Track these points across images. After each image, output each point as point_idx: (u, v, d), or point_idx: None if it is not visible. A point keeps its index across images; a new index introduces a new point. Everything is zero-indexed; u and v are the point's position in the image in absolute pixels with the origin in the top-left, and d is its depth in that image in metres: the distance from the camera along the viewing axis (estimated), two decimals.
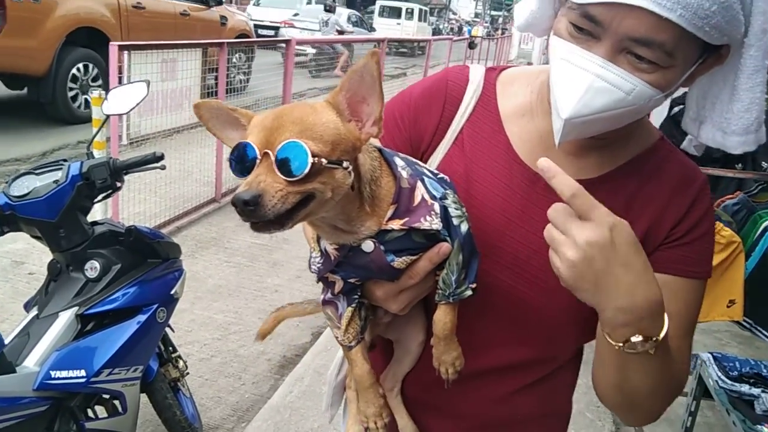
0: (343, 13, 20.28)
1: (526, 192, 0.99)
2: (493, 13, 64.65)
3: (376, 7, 28.84)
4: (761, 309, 2.91)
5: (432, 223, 0.86)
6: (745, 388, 2.02)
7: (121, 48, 4.41)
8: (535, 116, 1.02)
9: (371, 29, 23.01)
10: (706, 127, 0.96)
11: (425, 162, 1.03)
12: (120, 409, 2.17)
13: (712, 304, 2.86)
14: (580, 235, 0.75)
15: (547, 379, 1.08)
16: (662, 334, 0.81)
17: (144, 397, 2.36)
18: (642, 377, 0.87)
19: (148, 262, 2.28)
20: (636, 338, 0.80)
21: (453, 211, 0.90)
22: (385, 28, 25.76)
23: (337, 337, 0.98)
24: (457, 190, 0.95)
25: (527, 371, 1.06)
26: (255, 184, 0.71)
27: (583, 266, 0.76)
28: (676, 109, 4.02)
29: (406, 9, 27.87)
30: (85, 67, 7.68)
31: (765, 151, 3.90)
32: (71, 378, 1.94)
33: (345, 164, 0.78)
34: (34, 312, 2.09)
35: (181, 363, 2.63)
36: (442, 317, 0.91)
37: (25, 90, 7.66)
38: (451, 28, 43.30)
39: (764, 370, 2.09)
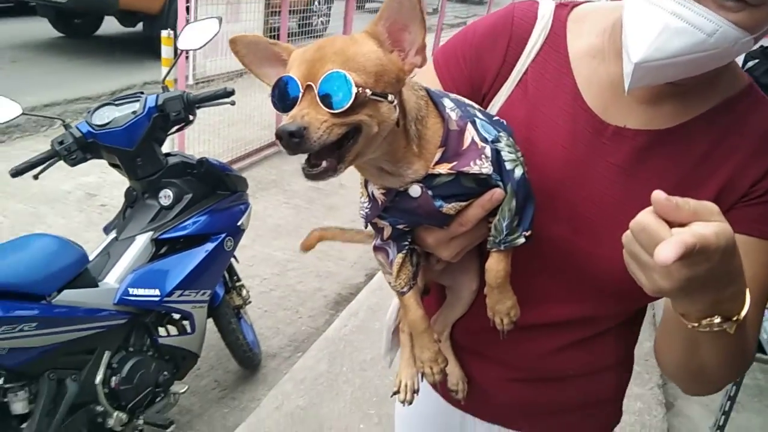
0: None
1: (591, 141, 0.92)
2: None
3: None
4: None
5: (482, 167, 0.82)
6: None
7: None
8: (607, 58, 0.92)
9: None
10: None
11: (486, 106, 0.98)
12: (189, 329, 2.32)
13: None
14: (681, 272, 0.64)
15: (598, 337, 1.04)
16: (743, 313, 0.74)
17: (210, 322, 2.51)
18: (713, 354, 0.81)
19: (218, 193, 2.39)
20: (716, 319, 0.73)
21: (506, 155, 0.85)
22: None
23: (389, 283, 0.95)
24: (515, 136, 0.90)
25: (574, 329, 1.02)
26: (299, 116, 0.69)
27: (675, 291, 0.67)
28: (750, 63, 3.87)
29: None
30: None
31: None
32: (147, 296, 2.09)
33: (390, 97, 0.74)
34: (113, 234, 2.24)
35: (244, 292, 2.78)
36: (494, 265, 0.88)
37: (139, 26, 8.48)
38: None
39: None
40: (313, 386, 2.74)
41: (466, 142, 0.83)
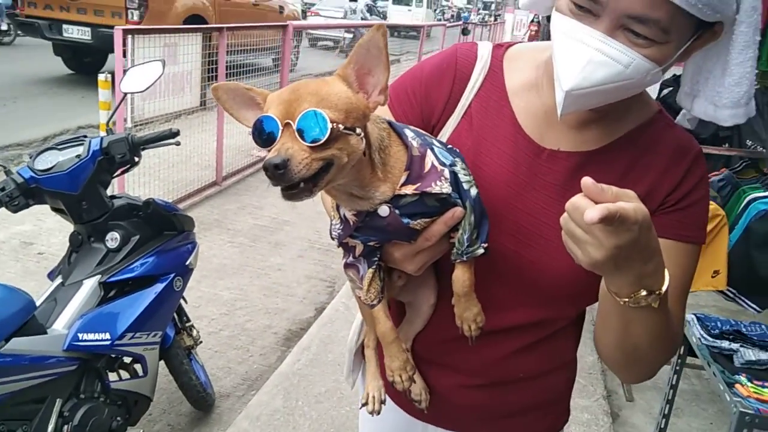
0: (360, 2, 23.52)
1: (530, 164, 1.04)
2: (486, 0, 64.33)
3: None
4: (743, 279, 3.07)
5: (442, 187, 0.92)
6: (725, 344, 2.16)
7: (126, 32, 4.49)
8: (541, 91, 1.05)
9: (383, 16, 26.36)
10: (699, 101, 1.00)
11: (436, 135, 1.08)
12: (140, 372, 2.29)
13: (698, 275, 2.96)
14: (609, 241, 0.75)
15: (549, 338, 1.13)
16: (664, 288, 0.85)
17: (161, 364, 2.49)
18: (643, 332, 0.91)
19: (165, 233, 2.40)
20: (642, 293, 0.83)
21: (462, 177, 0.95)
22: (398, 14, 29.57)
23: (359, 297, 1.02)
24: (465, 161, 1.00)
25: (530, 331, 1.10)
26: (283, 150, 0.77)
27: (606, 262, 0.78)
28: (665, 91, 4.15)
29: None
30: None
31: (749, 130, 4.05)
32: (97, 340, 2.06)
33: (358, 131, 0.83)
34: (59, 280, 2.21)
35: (194, 332, 2.76)
36: (461, 275, 0.97)
37: None
38: (452, 15, 43.43)
39: (743, 329, 2.24)
40: (270, 422, 2.74)
41: (427, 166, 0.93)
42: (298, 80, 0.89)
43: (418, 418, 1.24)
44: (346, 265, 1.03)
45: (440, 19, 35.55)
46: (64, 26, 9.28)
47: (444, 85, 1.10)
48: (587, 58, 0.87)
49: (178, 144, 2.32)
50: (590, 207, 0.73)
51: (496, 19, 31.00)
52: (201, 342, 2.84)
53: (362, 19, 18.46)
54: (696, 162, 1.03)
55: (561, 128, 1.03)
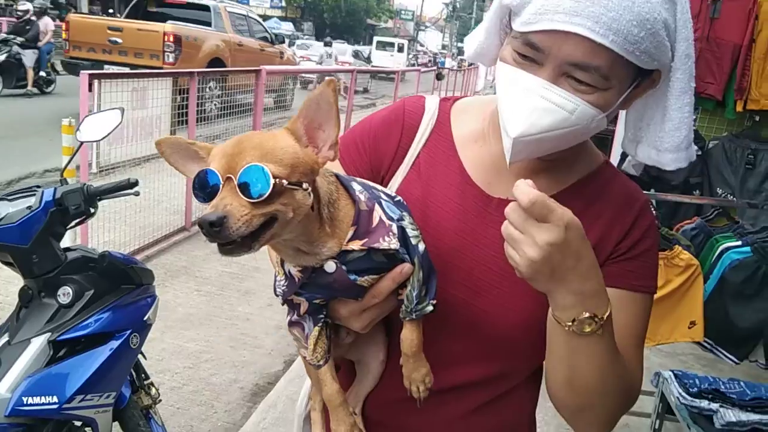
0: (347, 50, 27.01)
1: (479, 212, 1.04)
2: (460, 45, 65.88)
3: (374, 43, 37.92)
4: (720, 330, 3.02)
5: (390, 243, 0.90)
6: (704, 403, 2.09)
7: (92, 76, 4.41)
8: (488, 141, 1.07)
9: (368, 60, 29.13)
10: (642, 147, 1.03)
11: (385, 186, 1.07)
12: None
13: (675, 326, 2.95)
14: (540, 237, 0.79)
15: (505, 396, 1.09)
16: (607, 314, 0.86)
17: (116, 425, 2.34)
18: (590, 366, 0.91)
19: (122, 287, 2.28)
20: (584, 314, 0.85)
21: (410, 232, 0.94)
22: (382, 58, 33.88)
23: (304, 357, 0.99)
24: (413, 213, 0.99)
25: (485, 389, 1.07)
26: (221, 206, 0.74)
27: (541, 262, 0.81)
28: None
29: (398, 44, 37.28)
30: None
31: (719, 178, 4.08)
32: (43, 404, 1.93)
33: (305, 185, 0.81)
34: (5, 338, 2.07)
35: (153, 390, 2.61)
36: (409, 335, 0.95)
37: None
38: (429, 60, 44.74)
39: (722, 386, 2.17)
40: None
41: (375, 220, 0.91)
42: (272, 124, 0.85)
43: None
44: (291, 323, 0.99)
45: (414, 64, 37.83)
46: (105, 66, 10.26)
47: (392, 137, 1.11)
48: (532, 105, 0.89)
49: (137, 194, 2.23)
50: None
51: (470, 65, 31.77)
52: (161, 400, 2.68)
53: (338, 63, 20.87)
54: (643, 211, 1.04)
55: (509, 177, 1.01)
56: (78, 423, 2.14)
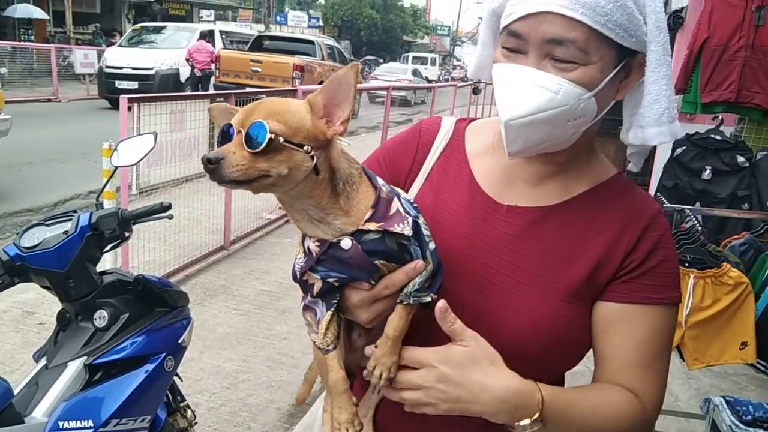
0: (408, 69, 30.76)
1: (487, 218, 1.09)
2: None
3: (410, 59, 40.64)
4: None
5: (404, 229, 0.95)
6: None
7: (131, 99, 4.51)
8: (496, 153, 1.12)
9: (427, 79, 32.50)
10: (631, 130, 1.05)
11: None
12: None
13: (724, 347, 2.82)
14: (416, 383, 0.95)
15: None
16: (537, 414, 0.94)
17: None
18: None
19: (156, 310, 2.29)
20: (523, 422, 0.94)
21: (423, 230, 0.99)
22: (402, 71, 37.41)
23: (314, 342, 1.02)
24: (425, 218, 1.03)
25: None
26: (224, 151, 0.86)
27: (435, 398, 0.93)
28: (678, 150, 4.06)
29: (430, 58, 41.51)
30: None
31: None
32: (79, 428, 1.93)
33: (306, 148, 0.88)
34: (42, 362, 2.10)
35: (189, 413, 2.61)
36: (397, 319, 0.97)
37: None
38: (465, 76, 45.13)
39: None
40: None
41: (393, 209, 0.97)
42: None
43: None
44: (304, 308, 1.03)
45: (447, 79, 38.96)
46: (248, 88, 11.76)
47: (409, 152, 1.20)
48: (519, 89, 0.95)
49: (170, 218, 2.24)
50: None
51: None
52: (197, 423, 2.69)
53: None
54: (653, 222, 1.05)
55: (519, 186, 1.10)
56: None
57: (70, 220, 2.10)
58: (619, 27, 0.92)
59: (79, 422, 1.94)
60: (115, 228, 2.10)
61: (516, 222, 1.07)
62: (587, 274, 1.02)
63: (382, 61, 42.19)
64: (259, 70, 14.73)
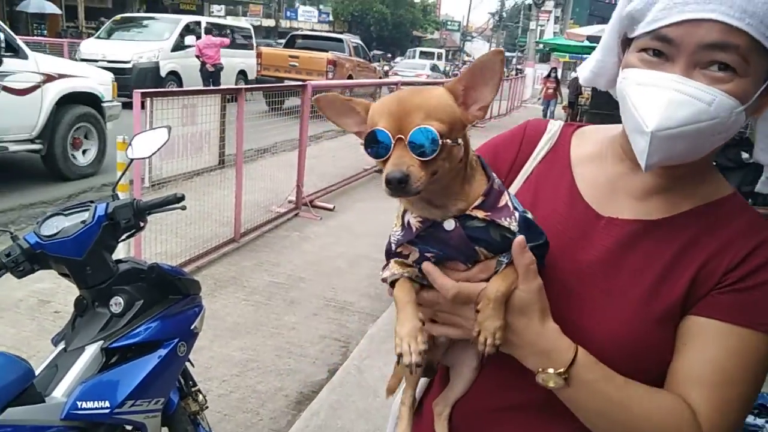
0: (426, 64, 32.00)
1: (584, 227, 1.04)
2: (508, 54, 65.46)
3: (417, 52, 42.29)
4: None
5: (511, 224, 0.93)
6: (750, 419, 2.04)
7: (144, 95, 4.60)
8: (604, 161, 1.08)
9: (446, 74, 34.25)
10: None
11: None
12: None
13: None
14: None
15: None
16: (561, 369, 0.92)
17: (165, 430, 2.43)
18: (590, 415, 0.95)
19: (170, 298, 2.37)
20: (548, 370, 0.93)
21: (533, 222, 0.97)
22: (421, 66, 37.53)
23: (394, 273, 0.99)
24: None
25: (573, 418, 0.99)
26: (403, 166, 0.83)
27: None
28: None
29: (436, 53, 42.38)
30: None
31: None
32: (96, 408, 2.02)
33: (459, 141, 0.88)
34: (61, 346, 2.19)
35: (200, 397, 2.70)
36: (499, 281, 0.93)
37: None
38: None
39: None
40: None
41: (502, 202, 0.95)
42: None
43: None
44: (394, 254, 1.00)
45: (457, 74, 38.75)
46: (285, 81, 13.60)
47: (511, 151, 1.17)
48: (668, 99, 0.87)
49: (183, 208, 2.32)
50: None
51: (517, 74, 31.63)
52: (207, 407, 2.78)
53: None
54: (766, 242, 0.96)
55: (622, 198, 1.04)
56: (129, 427, 2.24)
57: (88, 210, 2.19)
58: None
59: (96, 402, 2.04)
60: (131, 218, 2.19)
61: (614, 234, 1.02)
62: (683, 293, 0.95)
63: (390, 56, 42.49)
64: (297, 64, 16.65)
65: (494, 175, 0.97)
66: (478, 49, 72.93)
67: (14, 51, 6.79)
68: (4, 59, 6.46)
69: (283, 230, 6.70)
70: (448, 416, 1.12)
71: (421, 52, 41.92)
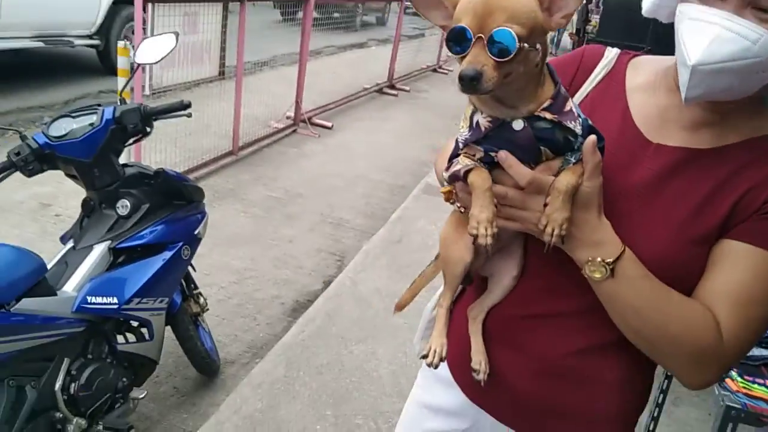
0: None
1: (634, 152, 1.07)
2: None
3: None
4: None
5: (575, 126, 0.97)
6: (755, 351, 2.10)
7: (146, 0, 4.52)
8: (657, 91, 1.10)
9: None
10: None
11: None
12: (147, 336, 2.37)
13: None
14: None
15: (620, 347, 1.07)
16: (610, 259, 0.97)
17: (168, 330, 2.56)
18: (628, 310, 0.99)
19: (174, 203, 2.45)
20: (597, 259, 0.97)
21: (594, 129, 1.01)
22: None
23: (467, 164, 1.02)
24: None
25: (606, 327, 1.05)
26: (476, 63, 0.86)
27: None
28: None
29: None
30: None
31: None
32: (105, 304, 2.13)
33: (537, 46, 0.90)
34: (70, 244, 2.28)
35: (201, 300, 2.83)
36: (567, 176, 0.97)
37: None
38: None
39: None
40: (271, 390, 2.81)
41: (568, 107, 0.98)
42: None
43: (473, 401, 1.26)
44: (451, 177, 1.04)
45: None
46: None
47: (567, 75, 1.17)
48: (714, 34, 0.90)
49: (189, 116, 2.36)
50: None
51: None
52: (208, 309, 2.91)
53: None
54: None
55: (673, 127, 1.06)
56: (135, 323, 2.36)
57: (95, 113, 2.22)
58: None
59: (105, 298, 2.15)
60: (138, 123, 2.22)
61: (662, 160, 1.05)
62: (723, 218, 1.00)
63: None
64: None
65: (560, 81, 1.00)
66: None
67: None
68: None
69: (281, 146, 6.71)
70: (482, 321, 1.19)
71: None
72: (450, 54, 0.92)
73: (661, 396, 2.53)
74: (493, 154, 0.99)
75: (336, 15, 11.27)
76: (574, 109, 0.98)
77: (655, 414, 2.52)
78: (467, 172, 0.99)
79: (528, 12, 0.89)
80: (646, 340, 1.02)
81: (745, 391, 1.95)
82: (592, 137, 0.95)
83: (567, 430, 1.18)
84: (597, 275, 0.97)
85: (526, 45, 0.87)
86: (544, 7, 0.92)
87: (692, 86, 0.94)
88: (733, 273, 0.97)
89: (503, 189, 1.00)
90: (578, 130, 0.97)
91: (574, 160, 0.97)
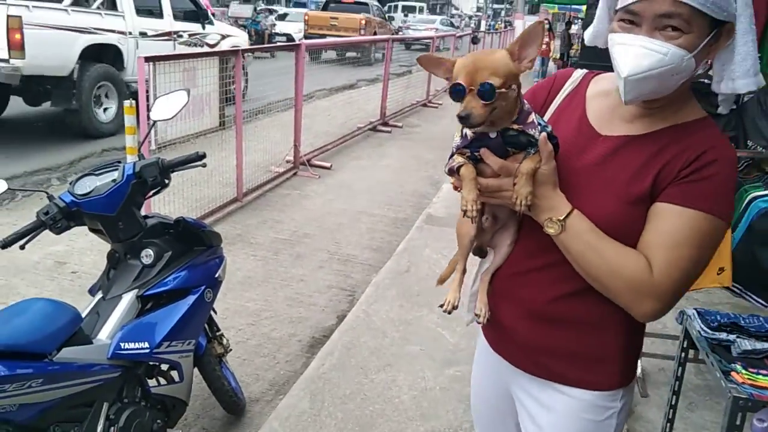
0: (437, 19, 35.53)
1: (586, 142, 1.39)
2: (495, 6, 64.64)
3: (399, 6, 42.94)
4: (748, 276, 3.18)
5: (535, 134, 1.29)
6: (722, 335, 2.28)
7: (147, 59, 4.72)
8: (608, 97, 1.42)
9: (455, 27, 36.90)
10: (723, 82, 1.32)
11: None
12: (177, 378, 2.47)
13: (704, 273, 3.11)
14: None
15: (595, 291, 1.34)
16: (561, 216, 1.29)
17: (195, 372, 2.65)
18: (578, 257, 1.30)
19: (195, 249, 2.57)
20: (554, 218, 1.30)
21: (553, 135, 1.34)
22: (431, 22, 38.36)
23: (460, 161, 1.35)
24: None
25: (578, 277, 1.34)
26: (468, 107, 1.21)
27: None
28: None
29: (418, 6, 44.01)
30: None
31: (755, 130, 4.16)
32: (138, 349, 2.24)
33: (513, 87, 1.24)
34: (99, 295, 2.39)
35: (225, 341, 2.93)
36: (528, 162, 1.29)
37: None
38: (475, 24, 45.67)
39: (741, 321, 2.35)
40: (298, 422, 2.90)
41: (530, 120, 1.30)
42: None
43: (493, 349, 1.58)
44: (450, 170, 1.38)
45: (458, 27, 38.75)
46: (327, 37, 17.10)
47: (543, 95, 1.55)
48: (636, 53, 1.22)
49: (204, 166, 2.50)
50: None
51: (506, 27, 31.41)
52: (231, 350, 3.01)
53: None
54: (717, 147, 1.27)
55: (617, 122, 1.38)
56: (165, 366, 2.47)
57: (117, 169, 2.36)
58: (715, 5, 1.19)
59: (137, 343, 2.26)
60: (157, 176, 2.36)
61: (607, 145, 1.36)
62: (651, 184, 1.28)
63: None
64: (336, 23, 21.46)
65: (525, 102, 1.31)
66: (465, 1, 71.92)
67: (208, 20, 10.71)
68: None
69: (284, 189, 6.87)
70: (488, 281, 1.51)
71: (404, 6, 42.63)
72: (452, 101, 1.26)
73: (674, 398, 2.62)
74: (477, 153, 1.32)
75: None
76: (535, 120, 1.30)
77: (670, 416, 2.61)
78: (459, 167, 1.32)
79: (504, 66, 1.24)
80: (595, 280, 1.31)
81: (750, 382, 2.06)
82: (544, 134, 1.28)
83: (561, 367, 1.44)
84: (552, 230, 1.30)
85: (503, 89, 1.21)
86: (514, 59, 1.26)
87: (627, 92, 1.26)
88: (660, 225, 1.26)
89: (484, 181, 1.33)
90: (537, 136, 1.29)
91: (533, 152, 1.29)
